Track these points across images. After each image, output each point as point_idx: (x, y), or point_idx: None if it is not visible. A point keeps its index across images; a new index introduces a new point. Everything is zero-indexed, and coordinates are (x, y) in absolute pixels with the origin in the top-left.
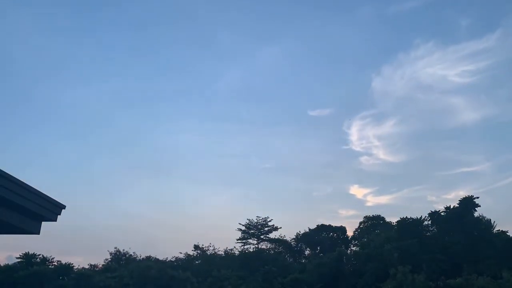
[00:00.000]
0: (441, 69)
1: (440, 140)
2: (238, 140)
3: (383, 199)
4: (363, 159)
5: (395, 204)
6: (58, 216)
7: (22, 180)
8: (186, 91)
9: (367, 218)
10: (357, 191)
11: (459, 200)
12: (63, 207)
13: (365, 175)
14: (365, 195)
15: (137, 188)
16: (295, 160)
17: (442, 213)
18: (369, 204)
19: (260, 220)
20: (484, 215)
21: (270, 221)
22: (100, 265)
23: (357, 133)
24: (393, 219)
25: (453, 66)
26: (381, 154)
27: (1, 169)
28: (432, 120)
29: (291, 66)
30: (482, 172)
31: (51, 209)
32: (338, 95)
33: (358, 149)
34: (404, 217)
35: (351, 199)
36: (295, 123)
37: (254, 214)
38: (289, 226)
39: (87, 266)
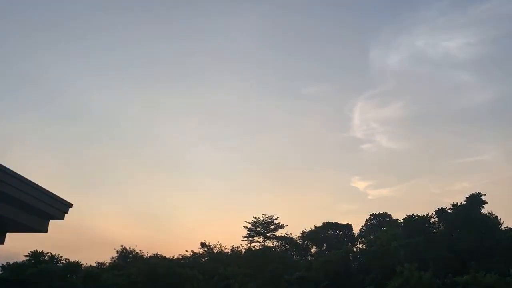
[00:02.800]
0: (452, 38)
1: (447, 124)
2: (223, 125)
3: (386, 192)
4: (365, 147)
5: (398, 197)
6: (66, 214)
7: (29, 179)
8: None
9: (373, 216)
10: (358, 183)
11: (466, 197)
12: (70, 205)
13: (367, 165)
14: (367, 188)
15: (141, 185)
16: (288, 147)
17: (449, 210)
18: (371, 197)
19: (266, 218)
20: (492, 211)
21: (276, 219)
22: (107, 263)
23: (357, 118)
24: (396, 212)
25: (467, 33)
26: (384, 142)
27: (9, 167)
28: (440, 100)
29: (277, 32)
30: (491, 161)
31: (59, 207)
32: (333, 67)
33: (359, 135)
34: (411, 214)
35: (352, 192)
36: (286, 102)
37: (254, 208)
38: (286, 218)
39: (94, 264)
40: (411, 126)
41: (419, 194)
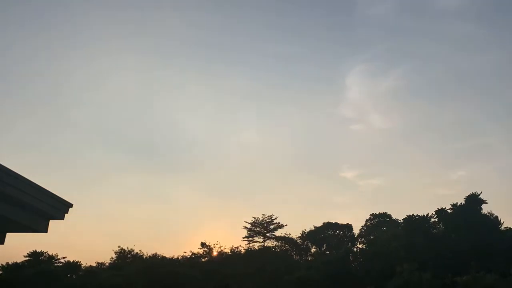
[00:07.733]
0: None
1: (448, 96)
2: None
3: (379, 182)
4: (354, 128)
5: (392, 187)
6: (66, 214)
7: (30, 179)
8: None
9: (373, 216)
10: (348, 173)
11: (465, 198)
12: (71, 205)
13: (357, 151)
14: (358, 178)
15: (141, 185)
16: (266, 132)
17: (449, 210)
18: (363, 189)
19: (266, 218)
20: (492, 211)
21: (275, 218)
22: (107, 263)
23: (346, 93)
24: (392, 206)
25: None
26: (377, 122)
27: (9, 167)
28: (438, 66)
29: None
30: (493, 144)
31: (59, 207)
32: (310, 22)
33: (348, 115)
34: (411, 214)
35: (343, 183)
36: (254, 66)
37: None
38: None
39: (94, 264)
40: (406, 101)
41: (414, 185)
